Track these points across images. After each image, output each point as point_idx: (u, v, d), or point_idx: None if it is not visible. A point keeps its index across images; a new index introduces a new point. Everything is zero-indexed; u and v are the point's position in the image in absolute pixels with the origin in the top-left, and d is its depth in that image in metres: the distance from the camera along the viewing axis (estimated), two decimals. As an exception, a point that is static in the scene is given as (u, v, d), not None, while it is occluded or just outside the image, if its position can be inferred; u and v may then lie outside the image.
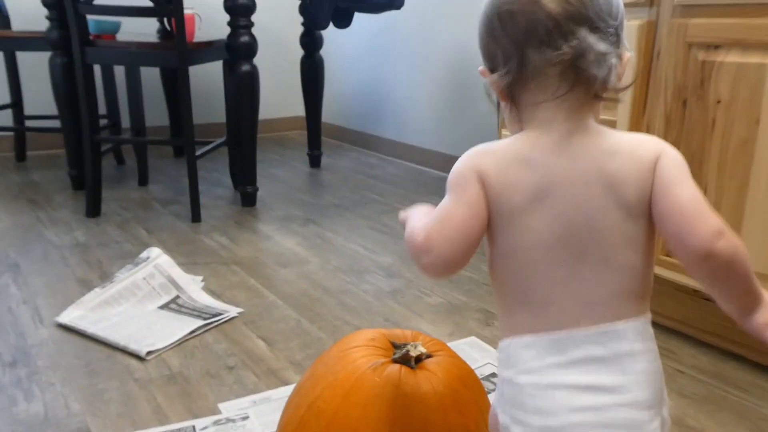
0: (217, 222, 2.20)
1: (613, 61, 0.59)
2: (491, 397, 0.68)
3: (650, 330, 0.61)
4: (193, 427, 1.09)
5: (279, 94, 3.68)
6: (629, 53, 0.63)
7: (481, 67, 0.66)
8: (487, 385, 1.22)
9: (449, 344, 1.35)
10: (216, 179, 2.78)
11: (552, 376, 0.58)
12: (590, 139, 0.61)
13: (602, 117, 1.49)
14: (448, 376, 0.76)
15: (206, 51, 2.24)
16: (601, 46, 0.58)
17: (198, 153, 2.19)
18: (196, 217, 2.20)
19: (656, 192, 0.59)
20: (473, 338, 1.41)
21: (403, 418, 0.71)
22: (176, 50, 2.04)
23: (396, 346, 0.78)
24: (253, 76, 2.26)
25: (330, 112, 3.58)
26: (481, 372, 1.26)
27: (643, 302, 0.61)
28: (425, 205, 0.70)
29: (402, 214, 0.70)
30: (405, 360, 0.76)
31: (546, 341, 0.59)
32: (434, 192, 2.62)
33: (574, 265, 0.59)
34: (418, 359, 0.77)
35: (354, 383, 0.73)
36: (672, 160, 0.60)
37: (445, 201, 0.62)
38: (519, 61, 0.60)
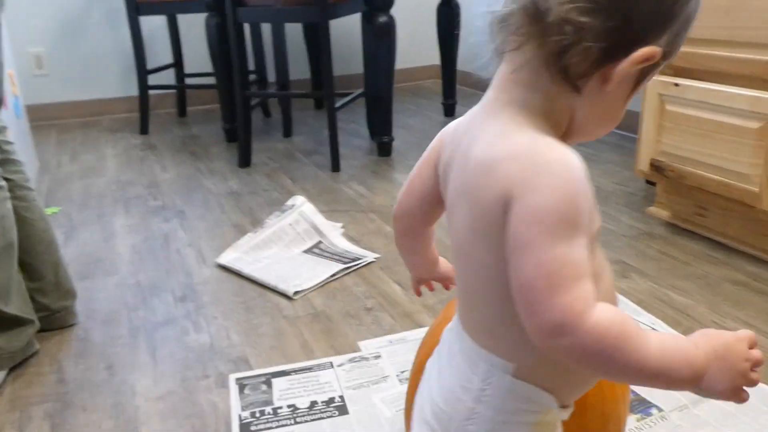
0: (356, 171, 2.30)
1: None
2: None
3: (493, 375, 0.53)
4: (331, 363, 1.19)
5: (415, 43, 3.69)
6: None
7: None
8: (622, 338, 1.20)
9: (584, 296, 1.34)
10: (354, 130, 2.88)
11: None
12: (490, 123, 0.51)
13: (763, 57, 1.34)
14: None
15: (345, 4, 2.29)
16: None
17: (337, 105, 2.28)
18: (335, 167, 2.31)
19: (507, 248, 0.46)
20: (610, 291, 1.38)
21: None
22: (317, 5, 2.11)
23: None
24: (390, 27, 2.29)
25: (464, 57, 3.53)
26: (616, 325, 1.24)
27: (494, 340, 0.52)
28: None
29: None
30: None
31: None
32: (573, 140, 2.53)
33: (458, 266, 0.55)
34: (549, 309, 0.78)
35: (485, 329, 0.77)
36: (527, 211, 0.44)
37: None
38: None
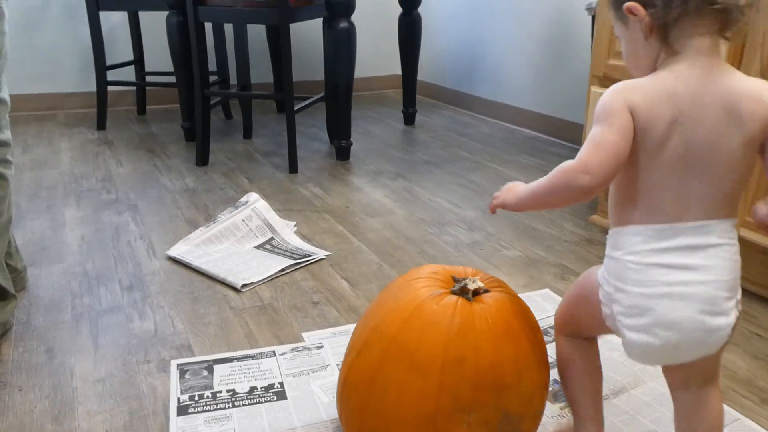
0: (313, 173, 2.33)
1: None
2: (598, 273, 0.81)
3: (734, 230, 0.75)
4: (274, 351, 1.21)
5: (378, 53, 3.75)
6: None
7: (632, 3, 0.72)
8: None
9: (522, 295, 1.39)
10: (314, 134, 2.91)
11: (652, 257, 0.73)
12: (724, 76, 0.72)
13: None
14: (502, 309, 0.81)
15: (306, 8, 2.33)
16: None
17: (297, 107, 2.31)
18: (293, 168, 2.33)
19: None
20: (547, 291, 1.44)
21: (456, 343, 0.77)
22: (278, 7, 2.15)
23: (456, 280, 0.84)
24: (350, 33, 2.34)
25: (426, 70, 3.61)
26: (550, 322, 1.30)
27: (733, 208, 0.74)
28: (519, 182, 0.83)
29: (501, 194, 0.83)
30: (463, 292, 0.82)
31: (652, 231, 0.73)
32: (524, 151, 2.61)
33: (687, 177, 0.72)
34: (476, 292, 0.82)
35: (414, 310, 0.80)
36: None
37: (596, 130, 0.72)
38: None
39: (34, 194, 2.07)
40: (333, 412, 1.03)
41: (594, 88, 1.69)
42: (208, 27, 2.95)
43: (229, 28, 3.11)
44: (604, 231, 1.79)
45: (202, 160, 2.41)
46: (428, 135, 2.90)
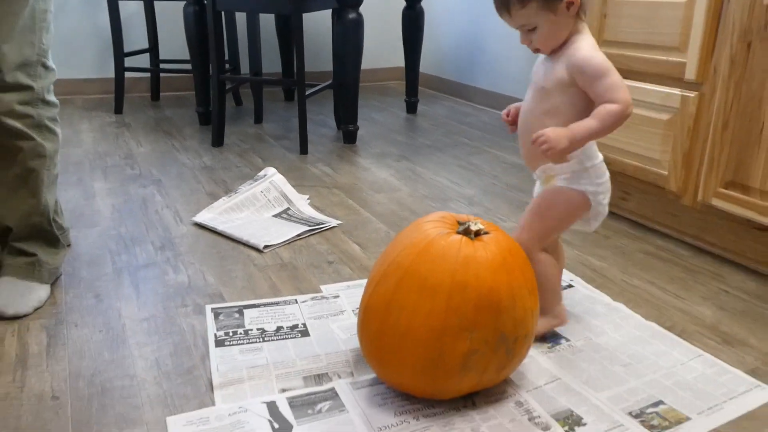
0: (322, 155, 2.48)
1: None
2: (576, 186, 1.14)
3: None
4: (296, 300, 1.37)
5: (382, 45, 3.90)
6: None
7: None
8: (545, 288, 1.41)
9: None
10: (321, 120, 3.06)
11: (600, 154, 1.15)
12: None
13: (673, 58, 1.58)
14: (499, 247, 0.97)
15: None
16: None
17: (307, 93, 2.46)
18: (303, 149, 2.48)
19: None
20: (539, 254, 1.60)
21: (460, 272, 0.93)
22: (292, -1, 2.30)
23: (460, 223, 1.00)
24: (358, 23, 2.49)
25: (428, 62, 3.76)
26: (541, 278, 1.45)
27: None
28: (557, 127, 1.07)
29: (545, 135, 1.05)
30: (466, 233, 0.97)
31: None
32: (522, 138, 2.77)
33: None
34: (477, 233, 0.98)
35: (425, 245, 0.96)
36: None
37: (612, 77, 1.03)
38: None
39: (64, 169, 2.21)
40: (351, 344, 1.18)
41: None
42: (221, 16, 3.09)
43: (240, 19, 3.26)
44: (593, 207, 1.94)
45: (218, 141, 2.55)
46: (430, 123, 3.05)
